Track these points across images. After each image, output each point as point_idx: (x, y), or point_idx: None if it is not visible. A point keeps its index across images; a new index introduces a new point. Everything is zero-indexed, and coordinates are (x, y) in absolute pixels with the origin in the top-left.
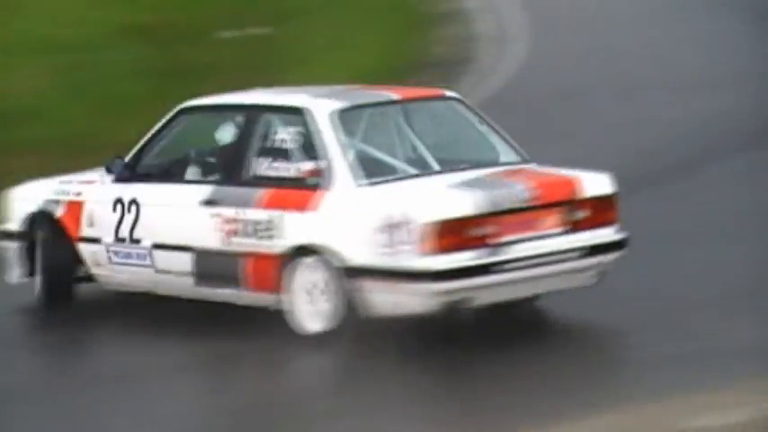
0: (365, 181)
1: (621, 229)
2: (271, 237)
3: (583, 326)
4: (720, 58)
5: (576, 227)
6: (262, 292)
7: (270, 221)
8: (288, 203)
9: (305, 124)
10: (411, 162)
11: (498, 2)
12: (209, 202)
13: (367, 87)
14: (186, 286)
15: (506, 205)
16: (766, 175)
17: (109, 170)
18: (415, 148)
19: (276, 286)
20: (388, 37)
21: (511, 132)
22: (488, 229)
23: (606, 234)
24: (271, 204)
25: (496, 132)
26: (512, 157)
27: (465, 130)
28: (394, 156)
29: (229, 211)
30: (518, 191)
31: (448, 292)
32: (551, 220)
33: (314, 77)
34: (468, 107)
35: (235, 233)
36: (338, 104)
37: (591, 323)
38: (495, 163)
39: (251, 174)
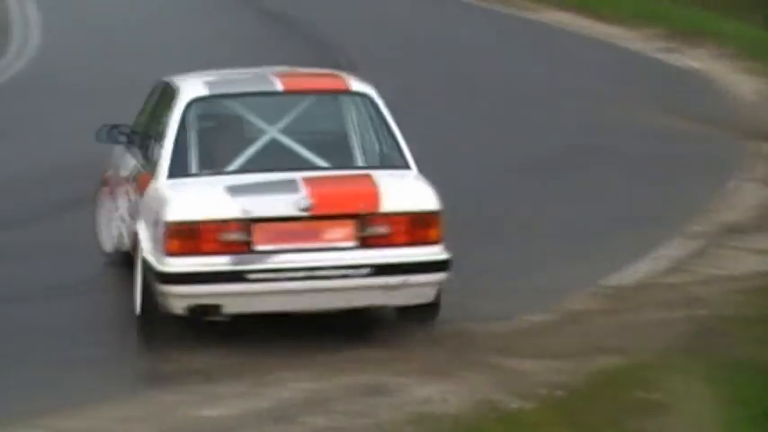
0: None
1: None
2: None
3: None
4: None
5: (367, 242)
6: None
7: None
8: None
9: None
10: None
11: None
12: None
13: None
14: None
15: (277, 212)
16: None
17: None
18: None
19: None
20: None
21: None
22: (247, 236)
23: (410, 254)
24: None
25: (390, 133)
26: (385, 161)
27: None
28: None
29: None
30: (298, 199)
31: (187, 296)
32: (337, 233)
33: None
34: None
35: None
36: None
37: None
38: (347, 166)
39: None
